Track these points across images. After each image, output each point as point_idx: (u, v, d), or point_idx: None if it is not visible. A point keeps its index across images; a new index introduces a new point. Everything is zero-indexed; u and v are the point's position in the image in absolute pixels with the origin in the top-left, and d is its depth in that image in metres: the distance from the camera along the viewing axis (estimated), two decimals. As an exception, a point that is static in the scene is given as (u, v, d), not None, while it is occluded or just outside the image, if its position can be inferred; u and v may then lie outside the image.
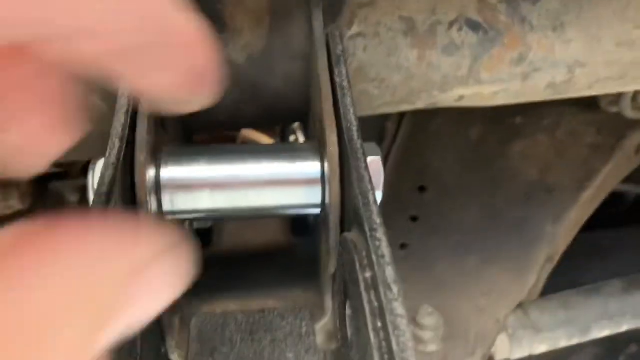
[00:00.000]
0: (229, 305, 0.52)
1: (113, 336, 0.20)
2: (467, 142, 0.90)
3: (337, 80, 0.41)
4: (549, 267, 0.86)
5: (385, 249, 0.30)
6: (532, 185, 0.88)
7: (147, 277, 0.21)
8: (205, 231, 0.59)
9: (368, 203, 0.33)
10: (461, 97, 0.54)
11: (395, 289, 0.28)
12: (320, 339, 0.49)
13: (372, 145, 0.44)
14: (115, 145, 0.37)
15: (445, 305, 0.76)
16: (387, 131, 0.92)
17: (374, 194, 0.34)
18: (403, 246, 0.82)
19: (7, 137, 0.22)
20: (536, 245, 0.86)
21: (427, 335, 0.68)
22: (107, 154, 0.37)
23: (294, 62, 0.50)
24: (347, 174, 0.38)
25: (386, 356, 0.27)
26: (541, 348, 0.78)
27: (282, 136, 0.79)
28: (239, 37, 0.50)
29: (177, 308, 0.48)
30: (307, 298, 0.53)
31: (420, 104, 0.55)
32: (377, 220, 0.32)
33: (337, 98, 0.41)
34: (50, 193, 0.83)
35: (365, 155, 0.37)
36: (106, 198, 0.34)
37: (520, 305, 0.83)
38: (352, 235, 0.35)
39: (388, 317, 0.27)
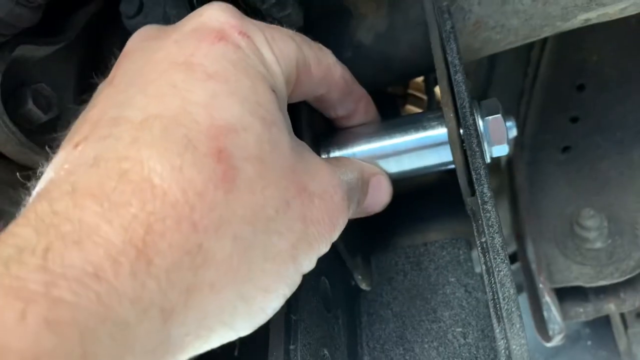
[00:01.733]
0: (397, 242, 0.63)
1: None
2: (625, 29, 0.84)
3: (449, 58, 0.47)
4: None
5: (494, 219, 0.38)
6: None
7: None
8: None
9: (480, 177, 0.41)
10: (587, 20, 0.55)
11: (502, 254, 0.36)
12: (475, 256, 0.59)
13: (493, 102, 0.49)
14: None
15: (611, 202, 0.76)
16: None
17: (485, 169, 0.41)
18: (565, 149, 0.84)
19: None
20: None
21: (591, 235, 0.72)
22: None
23: (415, 31, 0.56)
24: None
25: (497, 307, 0.36)
26: None
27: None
28: (364, 21, 0.57)
29: (358, 249, 0.60)
30: (462, 229, 0.61)
31: (545, 34, 0.57)
32: (488, 193, 0.40)
33: (450, 74, 0.47)
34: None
35: (478, 132, 0.43)
36: None
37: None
38: (471, 202, 0.43)
39: (496, 276, 0.36)
